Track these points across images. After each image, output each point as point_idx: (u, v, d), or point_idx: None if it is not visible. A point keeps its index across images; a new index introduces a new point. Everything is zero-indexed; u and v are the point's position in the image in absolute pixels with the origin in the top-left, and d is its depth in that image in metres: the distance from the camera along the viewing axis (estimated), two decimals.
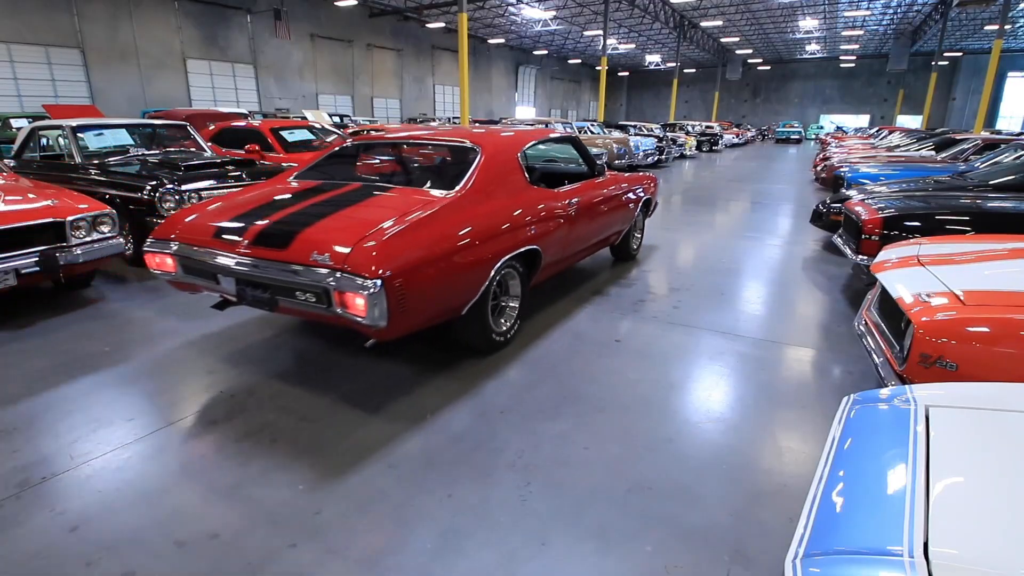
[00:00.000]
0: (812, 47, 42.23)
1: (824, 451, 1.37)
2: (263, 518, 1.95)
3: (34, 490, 2.08)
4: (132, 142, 6.17)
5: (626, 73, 58.93)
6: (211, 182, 4.89)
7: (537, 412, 2.67)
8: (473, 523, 1.94)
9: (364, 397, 2.78)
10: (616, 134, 15.70)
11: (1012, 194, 4.53)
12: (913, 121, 42.81)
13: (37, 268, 3.58)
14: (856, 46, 41.40)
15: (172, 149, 6.08)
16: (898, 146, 11.91)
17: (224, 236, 2.78)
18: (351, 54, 28.27)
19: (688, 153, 20.30)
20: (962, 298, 2.20)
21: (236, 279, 2.71)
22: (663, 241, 6.43)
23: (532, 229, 3.33)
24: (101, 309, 3.97)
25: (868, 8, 29.00)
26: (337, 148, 3.97)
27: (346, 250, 2.43)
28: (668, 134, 19.49)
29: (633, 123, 20.18)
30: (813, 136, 40.33)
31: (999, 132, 21.39)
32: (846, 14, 30.18)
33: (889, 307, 2.58)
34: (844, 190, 6.21)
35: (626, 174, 5.15)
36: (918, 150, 10.30)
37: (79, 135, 5.52)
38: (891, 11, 29.91)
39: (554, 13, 29.82)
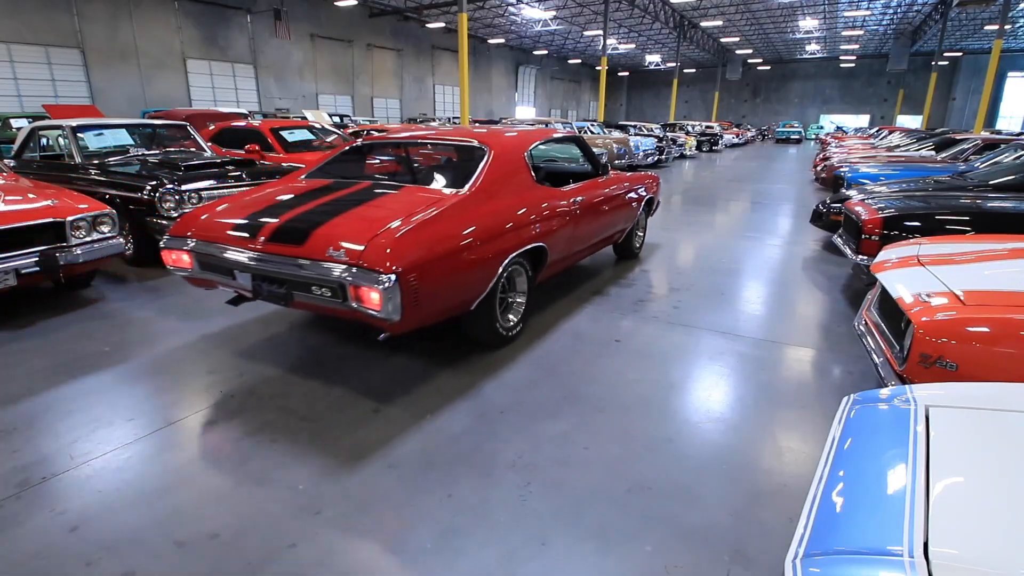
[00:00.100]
0: (812, 47, 42.24)
1: (824, 451, 1.37)
2: (263, 518, 1.95)
3: (34, 490, 2.08)
4: (132, 142, 6.17)
5: (626, 73, 58.94)
6: (211, 182, 4.89)
7: (537, 412, 2.67)
8: (473, 523, 1.94)
9: (364, 397, 2.78)
10: (616, 134, 15.70)
11: (1012, 194, 4.53)
12: (913, 121, 42.81)
13: (37, 268, 3.58)
14: (856, 46, 41.40)
15: (172, 149, 6.08)
16: (898, 146, 11.91)
17: (241, 233, 2.84)
18: (351, 54, 28.27)
19: (688, 153, 20.30)
20: (962, 298, 2.20)
21: (252, 275, 2.78)
22: (663, 241, 6.43)
23: (538, 227, 3.39)
24: (101, 309, 3.97)
25: (868, 8, 29.00)
26: (347, 148, 4.03)
27: (361, 246, 2.50)
28: (668, 134, 19.49)
29: (633, 123, 20.18)
30: (813, 136, 40.32)
31: (999, 132, 21.39)
32: (846, 14, 30.18)
33: (889, 307, 2.58)
34: (844, 190, 6.21)
35: (629, 173, 5.19)
36: (918, 150, 10.30)
37: (79, 135, 5.52)
38: (891, 11, 29.92)
39: (554, 13, 29.82)
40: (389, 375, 3.01)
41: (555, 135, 4.19)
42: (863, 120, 48.30)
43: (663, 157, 16.88)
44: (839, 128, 38.41)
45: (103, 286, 4.49)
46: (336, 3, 25.69)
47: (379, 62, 30.09)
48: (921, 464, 1.16)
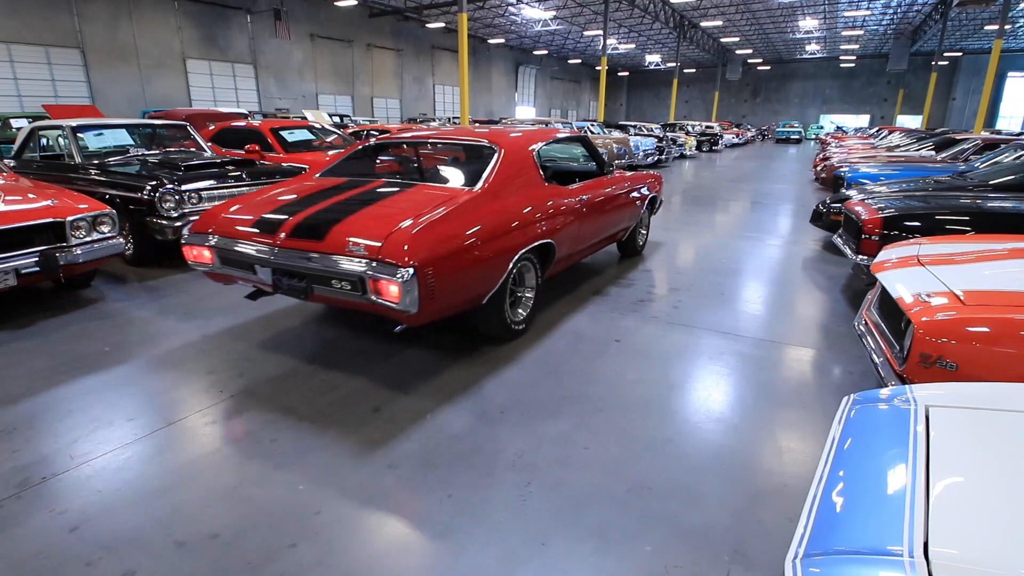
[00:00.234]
0: (812, 47, 42.22)
1: (824, 451, 1.37)
2: (263, 518, 1.95)
3: (34, 490, 2.08)
4: (132, 142, 6.17)
5: (626, 73, 58.92)
6: (211, 182, 4.89)
7: (537, 412, 2.67)
8: (473, 523, 1.94)
9: (364, 397, 2.78)
10: (616, 134, 15.71)
11: (1012, 194, 4.53)
12: (913, 121, 42.81)
13: (37, 268, 3.58)
14: (856, 46, 41.39)
15: (172, 149, 6.08)
16: (898, 146, 11.91)
17: (262, 229, 2.95)
18: (351, 54, 28.26)
19: (688, 153, 20.30)
20: (962, 298, 2.20)
21: (273, 269, 2.86)
22: (663, 241, 6.43)
23: (547, 224, 3.48)
24: (101, 309, 3.97)
25: (868, 8, 29.00)
26: (359, 148, 4.12)
27: (379, 242, 2.59)
28: (668, 134, 19.49)
29: (633, 123, 20.18)
30: (813, 136, 40.31)
31: (999, 132, 21.40)
32: (846, 14, 30.17)
33: (889, 307, 2.58)
34: (844, 190, 6.20)
35: (633, 173, 5.28)
36: (918, 150, 10.30)
37: (79, 135, 5.52)
38: (891, 11, 29.91)
39: (554, 13, 29.81)
40: (389, 375, 3.01)
41: (562, 135, 4.29)
42: (863, 120, 48.29)
43: (663, 157, 16.88)
44: (839, 128, 38.41)
45: (103, 286, 4.49)
46: (336, 3, 25.68)
47: (379, 62, 30.08)
48: (921, 464, 1.16)
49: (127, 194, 4.71)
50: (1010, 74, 41.12)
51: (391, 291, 2.50)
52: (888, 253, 3.11)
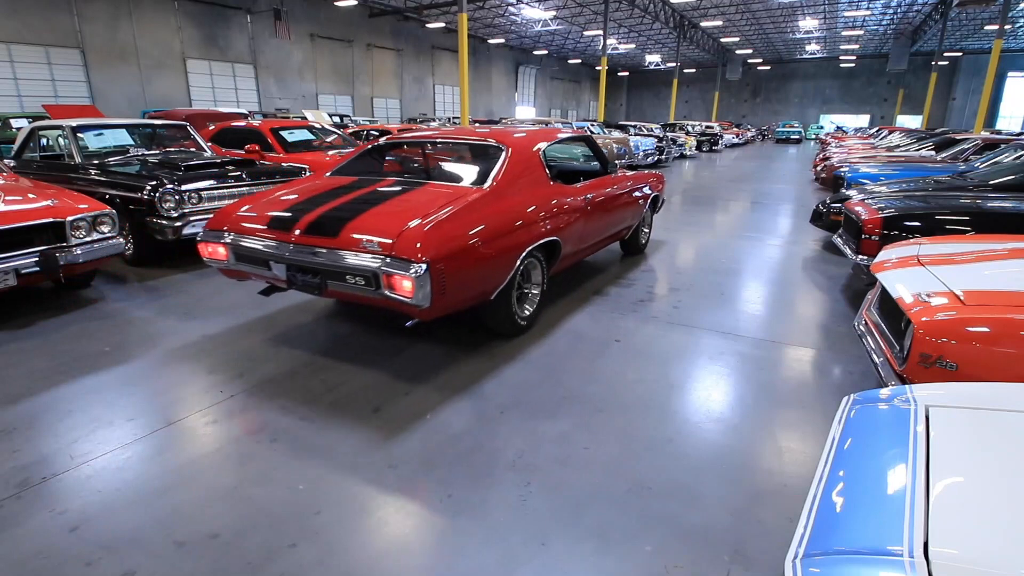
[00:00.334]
0: (812, 47, 42.22)
1: (824, 451, 1.37)
2: (263, 518, 1.95)
3: (34, 490, 2.08)
4: (132, 142, 6.17)
5: (626, 73, 58.92)
6: (211, 182, 4.89)
7: (537, 412, 2.67)
8: (473, 523, 1.94)
9: (364, 397, 2.78)
10: (616, 134, 15.71)
11: (1012, 194, 4.53)
12: (913, 121, 42.81)
13: (37, 268, 3.58)
14: (856, 46, 41.38)
15: (172, 149, 6.08)
16: (898, 146, 11.91)
17: (276, 226, 3.01)
18: (351, 54, 28.26)
19: (688, 153, 20.29)
20: (962, 298, 2.20)
21: (287, 265, 2.93)
22: (663, 241, 6.43)
23: (553, 222, 3.54)
24: (101, 309, 3.97)
25: (868, 8, 28.99)
26: (368, 147, 4.18)
27: (393, 238, 2.67)
28: (668, 134, 19.49)
29: (633, 123, 20.18)
30: (813, 136, 40.31)
31: (999, 132, 21.39)
32: (846, 14, 30.17)
33: (889, 307, 2.58)
34: (844, 190, 6.20)
35: (635, 172, 5.32)
36: (918, 150, 10.30)
37: (79, 135, 5.52)
38: (891, 11, 29.91)
39: (554, 13, 29.81)
40: (389, 375, 3.02)
41: (567, 135, 4.35)
42: (863, 120, 48.28)
43: (663, 157, 16.88)
44: (839, 128, 38.41)
45: (103, 286, 4.49)
46: (336, 3, 25.68)
47: (379, 62, 30.08)
48: (921, 464, 1.16)
49: (127, 194, 4.71)
50: (1010, 74, 41.12)
51: (404, 286, 2.57)
52: (888, 253, 3.11)
